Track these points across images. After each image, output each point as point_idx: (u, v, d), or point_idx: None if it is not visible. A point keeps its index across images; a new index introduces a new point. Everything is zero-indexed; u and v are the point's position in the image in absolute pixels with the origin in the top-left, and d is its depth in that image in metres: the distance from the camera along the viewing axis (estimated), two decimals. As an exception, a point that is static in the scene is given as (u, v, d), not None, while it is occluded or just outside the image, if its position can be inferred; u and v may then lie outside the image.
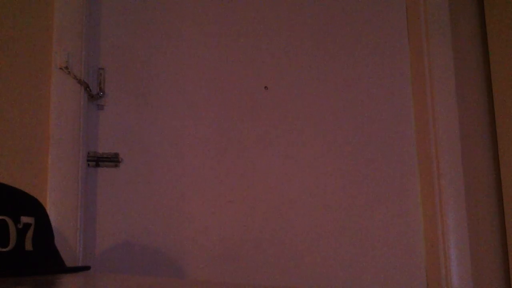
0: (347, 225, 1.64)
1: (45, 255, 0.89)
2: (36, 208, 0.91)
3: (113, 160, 1.50)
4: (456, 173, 1.66)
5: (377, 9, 1.77)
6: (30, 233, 0.86)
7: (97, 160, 1.48)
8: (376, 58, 1.74)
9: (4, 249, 0.81)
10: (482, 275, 1.66)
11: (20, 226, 0.85)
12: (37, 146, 1.40)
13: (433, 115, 1.68)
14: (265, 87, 1.64)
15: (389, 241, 1.66)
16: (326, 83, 1.69)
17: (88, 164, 1.47)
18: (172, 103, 1.56)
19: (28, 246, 0.85)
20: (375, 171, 1.69)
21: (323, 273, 1.60)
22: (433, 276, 1.65)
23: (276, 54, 1.66)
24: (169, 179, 1.53)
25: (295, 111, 1.65)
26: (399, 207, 1.69)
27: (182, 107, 1.57)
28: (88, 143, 1.48)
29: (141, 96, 1.54)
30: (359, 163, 1.68)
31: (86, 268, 0.96)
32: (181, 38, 1.60)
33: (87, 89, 1.46)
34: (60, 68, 1.42)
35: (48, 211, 1.35)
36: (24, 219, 0.86)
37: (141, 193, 1.50)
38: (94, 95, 1.49)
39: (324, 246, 1.61)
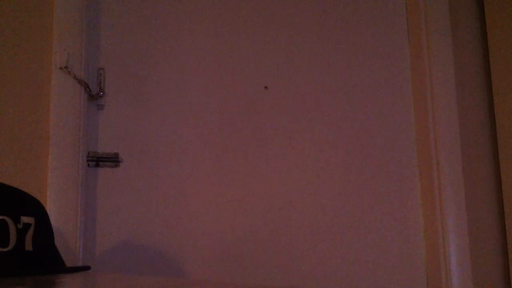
0: (347, 225, 1.64)
1: (45, 255, 0.89)
2: (36, 208, 0.91)
3: (113, 160, 1.50)
4: (456, 173, 1.66)
5: (377, 9, 1.77)
6: (30, 233, 0.86)
7: (97, 160, 1.48)
8: (376, 58, 1.74)
9: (4, 249, 0.81)
10: (482, 275, 1.66)
11: (20, 226, 0.85)
12: (37, 146, 1.40)
13: (433, 115, 1.68)
14: (265, 87, 1.64)
15: (389, 241, 1.66)
16: (326, 83, 1.69)
17: (88, 164, 1.47)
18: (172, 103, 1.56)
19: (28, 246, 0.85)
20: (375, 171, 1.69)
21: (323, 273, 1.60)
22: (433, 276, 1.65)
23: (276, 54, 1.66)
24: (169, 179, 1.53)
25: (295, 111, 1.65)
26: (399, 207, 1.69)
27: (182, 107, 1.57)
28: (88, 143, 1.48)
29: (141, 96, 1.54)
30: (359, 163, 1.68)
31: (86, 268, 0.96)
32: (181, 38, 1.60)
33: (87, 89, 1.46)
34: (60, 68, 1.42)
35: (48, 211, 1.35)
36: (24, 219, 0.86)
37: (141, 193, 1.50)
38: (94, 95, 1.49)
39: (324, 246, 1.61)
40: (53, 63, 1.43)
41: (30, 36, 1.43)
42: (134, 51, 1.56)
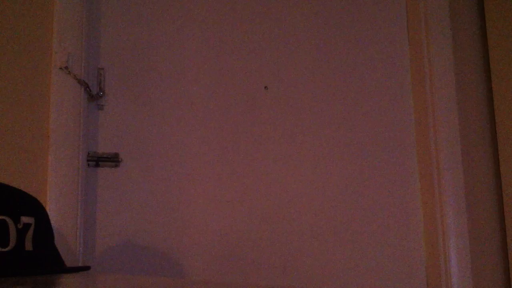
0: (347, 225, 1.64)
1: (45, 255, 0.89)
2: (36, 208, 0.91)
3: (113, 160, 1.50)
4: (456, 173, 1.66)
5: (377, 9, 1.77)
6: (30, 233, 0.86)
7: (97, 160, 1.48)
8: (376, 58, 1.74)
9: (4, 249, 0.81)
10: (482, 275, 1.66)
11: (20, 226, 0.85)
12: (37, 146, 1.40)
13: (433, 115, 1.68)
14: (265, 87, 1.64)
15: (389, 242, 1.66)
16: (326, 83, 1.69)
17: (88, 164, 1.47)
18: (172, 103, 1.56)
19: (28, 246, 0.85)
20: (375, 171, 1.69)
21: (323, 273, 1.60)
22: (433, 276, 1.65)
23: (276, 54, 1.66)
24: (169, 179, 1.53)
25: (295, 111, 1.65)
26: (399, 208, 1.69)
27: (182, 107, 1.57)
28: (88, 143, 1.48)
29: (141, 96, 1.54)
30: (359, 163, 1.68)
31: (86, 268, 0.96)
32: (181, 38, 1.60)
33: (87, 89, 1.46)
34: (60, 68, 1.42)
35: (48, 211, 1.35)
36: (24, 219, 0.86)
37: (141, 193, 1.50)
38: (94, 95, 1.49)
39: (324, 246, 1.61)
40: (53, 63, 1.42)
41: (30, 36, 1.43)
42: (134, 51, 1.56)
